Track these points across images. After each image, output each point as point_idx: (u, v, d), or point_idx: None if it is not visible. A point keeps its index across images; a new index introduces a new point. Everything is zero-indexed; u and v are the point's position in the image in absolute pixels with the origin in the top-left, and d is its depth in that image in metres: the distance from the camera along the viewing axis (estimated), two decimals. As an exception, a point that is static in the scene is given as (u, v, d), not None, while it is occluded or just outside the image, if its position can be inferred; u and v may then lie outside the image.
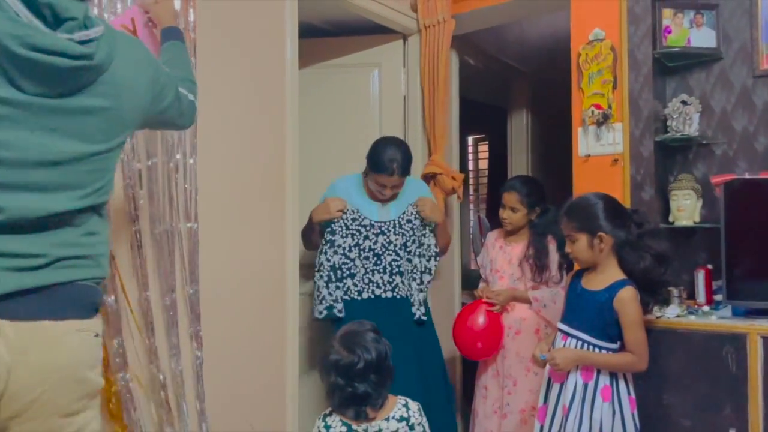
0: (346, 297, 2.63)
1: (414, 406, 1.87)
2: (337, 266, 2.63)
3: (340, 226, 2.63)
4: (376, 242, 2.66)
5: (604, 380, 2.05)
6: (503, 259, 2.87)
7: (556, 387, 2.14)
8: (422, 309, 2.72)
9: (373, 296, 2.64)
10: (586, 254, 2.09)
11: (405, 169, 2.65)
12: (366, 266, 2.65)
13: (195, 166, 2.04)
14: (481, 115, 5.10)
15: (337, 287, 2.62)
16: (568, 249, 2.14)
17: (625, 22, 2.55)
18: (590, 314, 2.08)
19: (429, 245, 2.78)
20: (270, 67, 2.40)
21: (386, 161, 2.57)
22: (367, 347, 1.82)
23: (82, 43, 1.09)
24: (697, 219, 2.49)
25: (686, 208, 2.47)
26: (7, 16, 1.02)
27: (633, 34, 2.54)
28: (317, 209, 2.66)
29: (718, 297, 2.36)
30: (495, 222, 3.21)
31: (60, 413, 1.12)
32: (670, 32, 2.52)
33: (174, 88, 1.42)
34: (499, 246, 2.92)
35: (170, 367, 1.96)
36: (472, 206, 6.20)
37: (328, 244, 2.63)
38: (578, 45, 2.69)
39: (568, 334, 2.12)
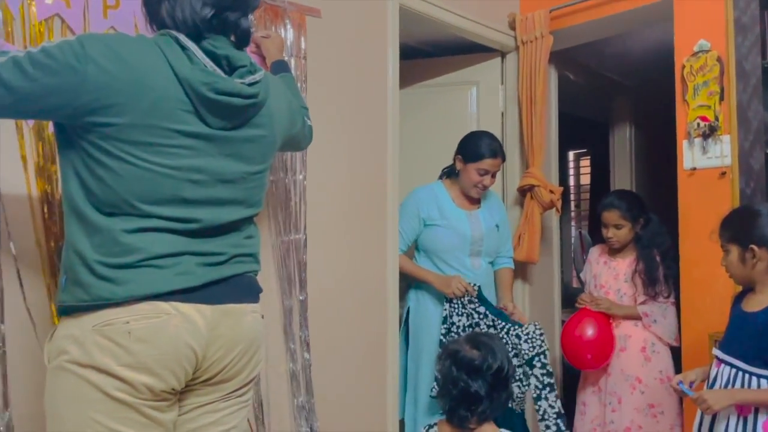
0: None
1: None
2: None
3: (456, 305, 2.59)
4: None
5: (765, 415, 1.83)
6: (608, 274, 2.84)
7: (707, 419, 1.94)
8: None
9: None
10: (738, 269, 1.92)
11: (504, 153, 2.75)
12: None
13: (304, 182, 2.20)
14: (583, 130, 5.04)
15: None
16: (722, 263, 1.96)
17: (732, 33, 2.49)
18: (748, 338, 1.89)
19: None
20: (373, 88, 2.54)
21: (488, 145, 2.68)
22: (494, 351, 1.79)
23: (250, 85, 1.33)
24: (815, 233, 2.36)
25: (802, 221, 2.35)
26: (199, 67, 1.26)
27: (740, 44, 2.47)
28: (441, 281, 2.61)
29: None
30: (597, 238, 3.17)
31: (242, 381, 1.39)
32: (781, 40, 2.44)
33: (301, 115, 1.67)
34: (603, 261, 2.89)
35: (286, 368, 2.12)
36: (573, 223, 6.09)
37: (446, 325, 2.59)
38: (682, 57, 2.65)
39: (722, 361, 1.94)
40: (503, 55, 3.31)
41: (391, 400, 2.55)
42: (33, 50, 1.17)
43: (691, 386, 2.01)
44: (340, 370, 2.33)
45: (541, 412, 2.40)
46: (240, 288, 1.37)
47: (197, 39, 1.29)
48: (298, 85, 2.08)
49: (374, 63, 2.55)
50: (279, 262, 2.13)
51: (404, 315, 2.75)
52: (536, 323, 2.54)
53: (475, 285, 2.58)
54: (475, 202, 2.79)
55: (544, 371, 2.46)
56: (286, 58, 2.07)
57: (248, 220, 1.42)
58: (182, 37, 1.27)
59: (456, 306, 2.57)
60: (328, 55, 2.33)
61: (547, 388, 2.42)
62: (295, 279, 2.16)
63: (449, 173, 2.83)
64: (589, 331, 2.69)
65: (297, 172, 2.19)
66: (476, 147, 2.68)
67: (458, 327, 2.55)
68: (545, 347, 2.49)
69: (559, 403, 2.41)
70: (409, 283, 2.77)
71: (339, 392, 2.32)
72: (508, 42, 3.21)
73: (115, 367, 1.19)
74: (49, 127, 1.63)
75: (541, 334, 2.50)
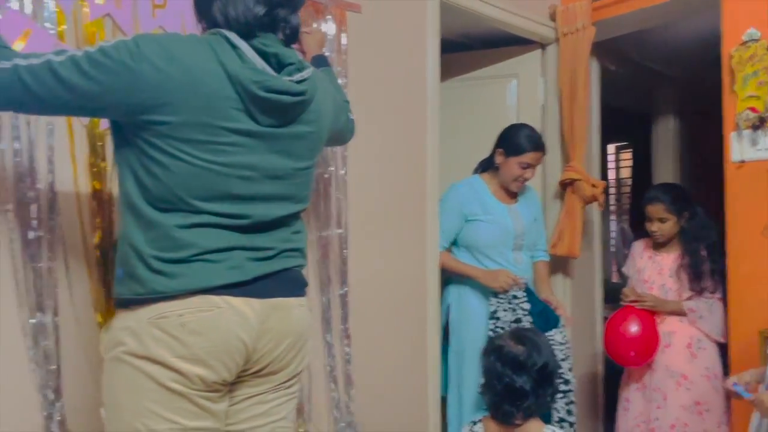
0: None
1: None
2: None
3: (502, 300, 2.56)
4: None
5: None
6: (653, 269, 2.79)
7: (765, 422, 1.89)
8: None
9: None
10: None
11: (545, 146, 2.74)
12: None
13: (345, 177, 2.22)
14: (623, 122, 4.95)
15: None
16: None
17: (783, 20, 2.42)
18: None
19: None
20: (413, 83, 2.54)
21: (530, 138, 2.65)
22: (539, 347, 1.79)
23: (299, 82, 1.34)
24: None
25: None
26: (249, 66, 1.28)
27: (793, 32, 2.40)
28: (487, 276, 2.59)
29: None
30: (638, 232, 3.12)
31: (290, 373, 1.42)
32: (836, 27, 2.35)
33: (345, 110, 1.69)
34: (647, 256, 2.84)
35: (324, 362, 2.14)
36: (614, 217, 5.99)
37: (493, 320, 2.55)
38: (730, 46, 2.57)
39: None
40: (543, 47, 3.26)
41: (432, 396, 2.55)
42: (90, 50, 1.20)
43: (745, 388, 1.96)
44: (379, 365, 2.35)
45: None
46: (288, 282, 1.40)
47: (248, 37, 1.31)
48: (339, 80, 2.09)
49: (414, 57, 2.54)
50: (319, 257, 2.15)
51: (444, 312, 2.73)
52: (561, 329, 2.54)
53: (522, 278, 2.57)
54: (513, 196, 2.77)
55: (561, 380, 2.47)
56: (326, 54, 2.08)
57: (296, 216, 1.44)
58: (233, 36, 1.29)
59: (502, 301, 2.55)
60: (369, 50, 2.34)
61: (560, 394, 2.45)
62: (335, 274, 2.18)
63: (486, 167, 2.80)
64: (633, 328, 2.65)
65: (338, 167, 2.21)
66: (517, 140, 2.65)
67: (503, 322, 2.52)
68: (563, 357, 2.51)
69: (567, 408, 2.48)
70: (448, 279, 2.76)
71: (378, 387, 2.33)
72: (549, 34, 3.17)
73: (170, 358, 1.22)
74: (100, 125, 1.67)
75: (560, 343, 2.50)
